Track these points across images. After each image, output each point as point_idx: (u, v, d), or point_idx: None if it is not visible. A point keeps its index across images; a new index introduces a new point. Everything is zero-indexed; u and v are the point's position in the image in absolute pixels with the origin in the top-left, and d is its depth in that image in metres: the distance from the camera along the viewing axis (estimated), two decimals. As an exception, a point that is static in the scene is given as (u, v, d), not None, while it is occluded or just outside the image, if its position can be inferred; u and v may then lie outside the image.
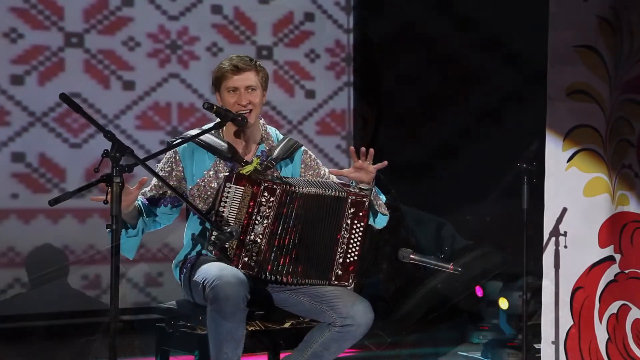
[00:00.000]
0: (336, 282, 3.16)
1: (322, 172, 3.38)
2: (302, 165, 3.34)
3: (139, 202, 3.16)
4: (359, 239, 3.17)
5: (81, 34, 5.60)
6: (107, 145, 5.67)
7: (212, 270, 2.99)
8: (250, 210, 3.02)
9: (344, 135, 6.34)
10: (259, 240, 3.04)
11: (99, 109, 5.58)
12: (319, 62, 6.20)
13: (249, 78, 3.22)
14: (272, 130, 3.35)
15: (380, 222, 3.33)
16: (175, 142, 3.12)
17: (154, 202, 3.20)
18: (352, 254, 3.16)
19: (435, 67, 6.60)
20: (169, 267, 3.35)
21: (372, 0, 6.57)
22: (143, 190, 3.20)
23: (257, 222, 3.03)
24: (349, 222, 3.15)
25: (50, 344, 5.37)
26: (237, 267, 3.03)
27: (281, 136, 3.36)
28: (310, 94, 6.25)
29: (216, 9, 5.92)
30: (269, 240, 3.05)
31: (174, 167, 3.22)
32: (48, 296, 5.59)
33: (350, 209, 3.15)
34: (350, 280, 3.18)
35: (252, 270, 3.05)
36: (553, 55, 3.91)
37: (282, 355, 3.27)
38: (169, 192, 3.19)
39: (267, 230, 3.05)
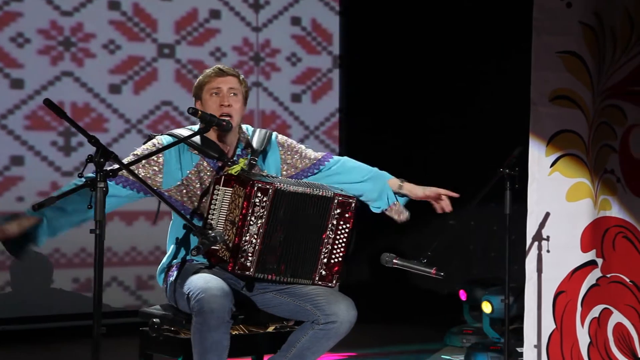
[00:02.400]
0: (319, 282, 3.17)
1: (310, 154, 3.38)
2: (281, 149, 3.34)
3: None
4: (344, 240, 3.18)
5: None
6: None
7: (198, 282, 2.99)
8: (244, 211, 3.03)
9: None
10: (253, 241, 3.05)
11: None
12: (225, 60, 6.10)
13: (232, 82, 3.26)
14: (245, 127, 3.37)
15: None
16: (168, 144, 3.09)
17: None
18: (337, 255, 3.18)
19: (419, 69, 6.63)
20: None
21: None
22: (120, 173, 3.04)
23: (251, 222, 3.04)
24: (334, 222, 3.17)
25: (33, 349, 5.35)
26: (235, 269, 3.04)
27: (251, 128, 3.37)
28: None
29: (114, 5, 5.82)
30: (263, 240, 3.06)
31: (155, 159, 3.17)
32: (31, 299, 5.57)
33: (336, 209, 3.16)
34: (334, 282, 3.19)
35: (249, 270, 3.06)
36: (536, 61, 3.93)
37: (265, 358, 3.28)
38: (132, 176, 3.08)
39: (261, 230, 3.06)
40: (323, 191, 3.16)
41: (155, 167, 3.18)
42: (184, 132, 3.20)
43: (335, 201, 3.16)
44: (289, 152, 3.36)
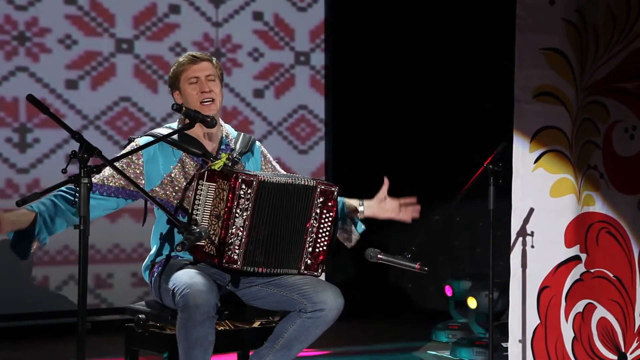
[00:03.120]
0: (305, 272, 3.18)
1: (274, 164, 3.44)
2: (262, 159, 3.39)
3: (50, 199, 3.04)
4: (328, 229, 3.19)
5: None
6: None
7: (183, 277, 3.00)
8: (229, 204, 3.03)
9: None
10: (240, 233, 3.06)
11: None
12: None
13: (208, 68, 3.26)
14: (228, 127, 3.38)
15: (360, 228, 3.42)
16: (146, 143, 3.11)
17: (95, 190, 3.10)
18: (322, 244, 3.19)
19: (404, 67, 6.65)
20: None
21: None
22: (100, 176, 3.12)
23: (237, 215, 3.05)
24: (317, 211, 3.17)
25: (17, 346, 5.34)
26: (222, 263, 3.04)
27: (235, 132, 3.39)
28: None
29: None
30: (249, 233, 3.07)
31: (134, 159, 3.18)
32: (15, 296, 5.56)
33: (319, 198, 3.17)
34: (320, 271, 3.20)
35: (236, 264, 3.06)
36: (520, 58, 3.95)
37: (251, 353, 3.29)
38: (113, 183, 3.13)
39: (247, 223, 3.06)
40: (305, 181, 3.18)
41: (137, 169, 3.19)
42: (163, 131, 3.21)
43: (318, 190, 3.17)
44: (269, 165, 3.41)
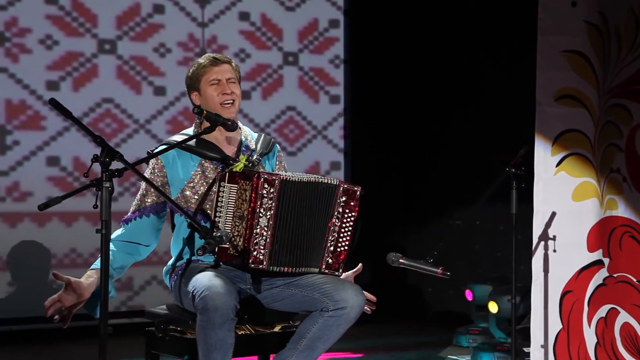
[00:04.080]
0: (326, 271, 3.17)
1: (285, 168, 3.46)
2: (277, 163, 3.40)
3: (112, 251, 3.14)
4: (350, 228, 3.18)
5: None
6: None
7: (202, 280, 2.99)
8: (252, 204, 3.03)
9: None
10: (264, 233, 3.06)
11: None
12: (170, 57, 5.96)
13: (229, 70, 3.28)
14: (246, 128, 3.38)
15: None
16: (161, 149, 3.12)
17: (134, 230, 3.20)
18: (343, 243, 3.18)
19: (424, 69, 6.63)
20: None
21: None
22: (136, 201, 3.22)
23: (261, 214, 3.05)
24: (340, 210, 3.17)
25: (38, 349, 5.37)
26: (248, 263, 3.04)
27: (255, 133, 3.39)
28: (160, 91, 5.98)
29: (51, -1, 5.67)
30: (274, 232, 3.07)
31: (159, 173, 3.23)
32: (35, 299, 5.58)
33: (341, 197, 3.17)
34: (341, 270, 3.19)
35: (262, 264, 3.06)
36: (542, 60, 3.93)
37: (272, 357, 3.28)
38: (149, 200, 3.20)
39: (270, 222, 3.06)
40: (328, 179, 3.17)
41: (161, 180, 3.21)
42: (179, 138, 3.22)
43: (341, 189, 3.17)
44: (283, 168, 3.41)
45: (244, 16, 6.20)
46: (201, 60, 3.30)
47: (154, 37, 5.93)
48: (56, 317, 3.06)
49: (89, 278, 3.08)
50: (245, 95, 6.15)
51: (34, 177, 5.62)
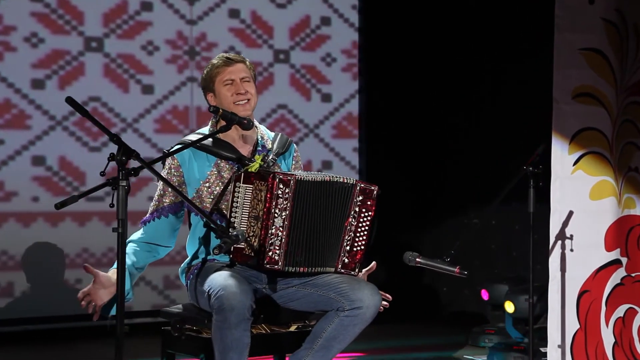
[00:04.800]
0: (342, 270, 3.16)
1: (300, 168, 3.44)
2: (294, 163, 3.39)
3: (130, 251, 3.16)
4: (366, 228, 3.17)
5: None
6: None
7: (218, 279, 2.99)
8: (268, 204, 3.03)
9: (186, 133, 5.88)
10: (279, 234, 3.05)
11: None
12: (158, 54, 5.84)
13: (243, 69, 3.28)
14: (263, 127, 3.38)
15: None
16: (176, 148, 3.12)
17: (153, 231, 3.21)
18: (360, 243, 3.17)
19: (440, 67, 6.61)
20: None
21: None
22: (154, 202, 3.23)
23: (276, 215, 3.04)
24: (357, 209, 3.15)
25: (54, 348, 5.38)
26: (264, 264, 3.04)
27: (272, 133, 3.38)
28: (148, 89, 5.87)
29: (35, -4, 5.58)
30: (289, 232, 3.06)
31: (175, 173, 3.23)
32: (51, 299, 5.59)
33: (358, 197, 3.16)
34: (357, 270, 3.18)
35: (277, 264, 3.06)
36: (559, 58, 3.91)
37: (287, 357, 3.27)
38: (167, 201, 3.21)
39: (286, 222, 3.06)
40: (344, 178, 3.16)
41: (180, 178, 3.22)
42: (194, 137, 3.22)
43: (357, 188, 3.16)
44: (299, 167, 3.40)
45: (234, 13, 6.11)
46: (215, 60, 3.30)
47: (141, 34, 5.83)
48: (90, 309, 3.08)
49: (115, 275, 3.07)
50: None
51: (20, 177, 5.58)
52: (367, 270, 3.30)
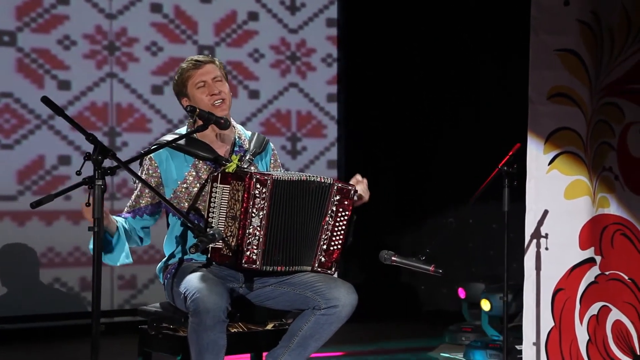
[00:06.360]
0: (319, 269, 3.17)
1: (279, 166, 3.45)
2: (272, 160, 3.40)
3: (120, 224, 3.17)
4: (343, 227, 3.18)
5: None
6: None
7: (194, 281, 3.00)
8: (245, 204, 3.03)
9: (105, 131, 5.78)
10: (257, 233, 3.06)
11: None
12: (75, 50, 5.70)
13: (213, 70, 3.27)
14: (240, 127, 3.38)
15: None
16: (152, 148, 3.12)
17: (132, 218, 3.23)
18: (336, 242, 3.18)
19: (418, 68, 6.64)
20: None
21: None
22: (131, 202, 3.23)
23: (253, 214, 3.05)
24: (334, 209, 3.17)
25: (32, 348, 5.36)
26: (241, 263, 3.05)
27: (249, 132, 3.39)
28: (64, 85, 5.70)
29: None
30: (266, 232, 3.07)
31: (153, 173, 3.23)
32: (27, 298, 5.55)
33: (335, 196, 3.17)
34: (333, 269, 3.19)
35: (255, 264, 3.07)
36: (534, 59, 3.93)
37: (264, 355, 3.28)
38: (144, 202, 3.22)
39: (263, 222, 3.06)
40: (321, 178, 3.18)
41: (155, 181, 3.22)
42: (170, 137, 3.22)
43: (335, 188, 3.17)
44: (278, 166, 3.42)
45: (156, 8, 5.94)
46: (184, 65, 3.29)
47: (57, 28, 5.66)
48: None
49: (113, 225, 3.12)
50: (158, 90, 5.94)
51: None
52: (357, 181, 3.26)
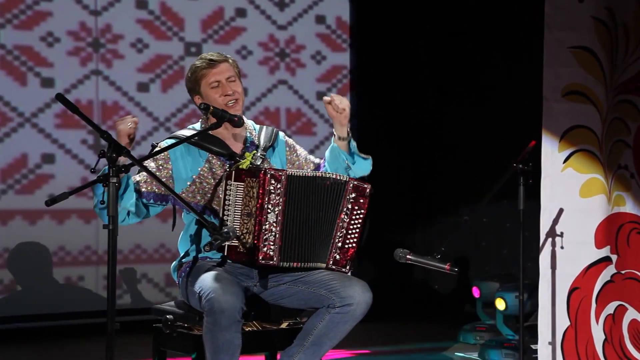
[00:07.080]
0: (333, 267, 3.16)
1: (312, 158, 3.41)
2: (287, 149, 3.37)
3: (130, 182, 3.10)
4: (359, 225, 3.17)
5: None
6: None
7: (208, 281, 2.99)
8: (260, 201, 3.03)
9: (91, 128, 5.77)
10: (273, 229, 3.05)
11: None
12: (58, 46, 5.59)
13: (227, 69, 3.26)
14: (250, 122, 3.38)
15: (360, 166, 3.29)
16: (172, 143, 3.12)
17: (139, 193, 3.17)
18: (351, 240, 3.17)
19: (431, 65, 6.62)
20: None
21: None
22: (135, 180, 3.18)
23: (269, 210, 3.05)
24: (349, 206, 3.16)
25: (47, 346, 5.37)
26: (258, 260, 3.04)
27: (257, 126, 3.38)
28: (47, 83, 5.59)
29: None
30: (282, 228, 3.07)
31: (164, 165, 3.21)
32: (41, 297, 5.55)
33: (351, 194, 3.16)
34: (348, 267, 3.18)
35: (273, 260, 3.06)
36: (548, 56, 3.92)
37: (279, 354, 3.27)
38: (145, 188, 3.16)
39: (279, 218, 3.06)
40: (336, 175, 3.17)
41: (167, 173, 3.19)
42: (186, 133, 3.21)
43: (350, 185, 3.16)
44: (294, 154, 3.39)
45: (141, 4, 5.85)
46: (197, 62, 3.28)
47: (40, 25, 5.57)
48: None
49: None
50: (143, 87, 5.85)
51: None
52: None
